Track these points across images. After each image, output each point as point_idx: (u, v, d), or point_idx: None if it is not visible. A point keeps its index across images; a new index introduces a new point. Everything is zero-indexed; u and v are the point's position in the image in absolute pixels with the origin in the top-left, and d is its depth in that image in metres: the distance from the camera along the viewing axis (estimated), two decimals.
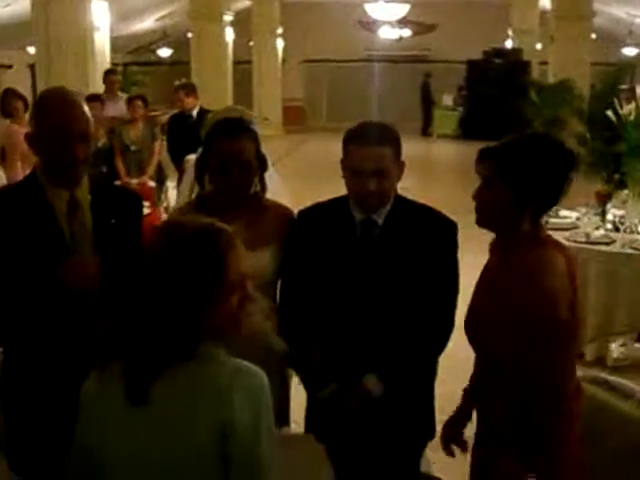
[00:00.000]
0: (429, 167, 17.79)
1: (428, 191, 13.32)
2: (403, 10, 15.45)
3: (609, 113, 6.00)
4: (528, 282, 2.34)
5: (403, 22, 19.59)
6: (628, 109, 5.87)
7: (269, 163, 3.02)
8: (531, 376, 2.34)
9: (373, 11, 15.43)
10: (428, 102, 22.87)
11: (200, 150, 3.00)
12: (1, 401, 2.68)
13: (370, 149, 2.64)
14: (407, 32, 19.63)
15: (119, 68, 17.83)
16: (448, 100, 22.40)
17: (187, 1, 15.06)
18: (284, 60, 22.62)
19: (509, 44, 21.36)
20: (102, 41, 9.66)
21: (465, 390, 2.77)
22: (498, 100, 18.42)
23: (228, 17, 15.33)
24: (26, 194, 2.57)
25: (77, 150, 2.49)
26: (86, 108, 2.57)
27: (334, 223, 2.80)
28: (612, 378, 2.91)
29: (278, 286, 2.95)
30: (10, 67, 14.18)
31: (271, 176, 3.16)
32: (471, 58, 21.17)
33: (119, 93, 9.55)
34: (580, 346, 5.54)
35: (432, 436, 2.91)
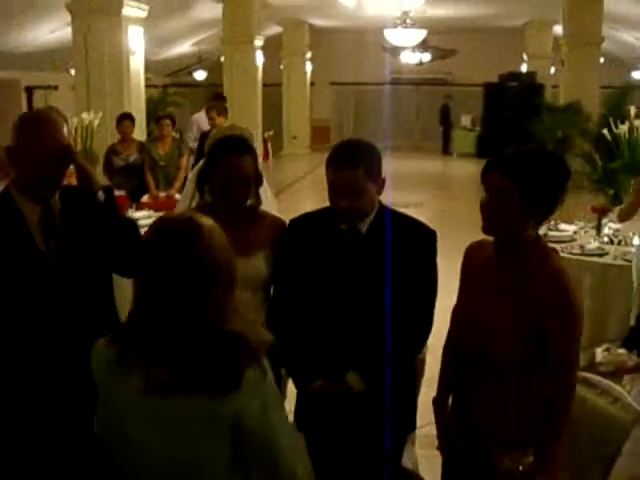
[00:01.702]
0: (446, 183, 17.77)
1: (441, 205, 13.29)
2: (420, 36, 15.43)
3: (604, 132, 6.02)
4: (553, 284, 2.38)
5: (424, 47, 19.59)
6: (622, 129, 5.88)
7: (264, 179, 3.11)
8: (559, 377, 2.40)
9: (392, 37, 15.43)
10: (447, 123, 22.91)
11: (201, 162, 3.07)
12: None
13: (341, 171, 2.69)
14: (427, 57, 19.60)
15: (158, 89, 18.11)
16: (466, 121, 22.39)
17: (221, 27, 15.23)
18: (312, 83, 22.74)
19: (524, 68, 21.31)
20: (138, 64, 9.77)
21: (436, 400, 2.77)
22: (513, 121, 18.39)
23: (258, 42, 15.45)
24: None
25: (51, 171, 2.48)
26: (65, 130, 2.55)
27: (322, 230, 2.85)
28: (590, 376, 2.92)
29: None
30: (56, 88, 14.40)
31: (265, 190, 3.24)
32: (488, 81, 21.18)
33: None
34: None
35: (412, 429, 2.95)
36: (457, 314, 2.64)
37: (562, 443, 2.43)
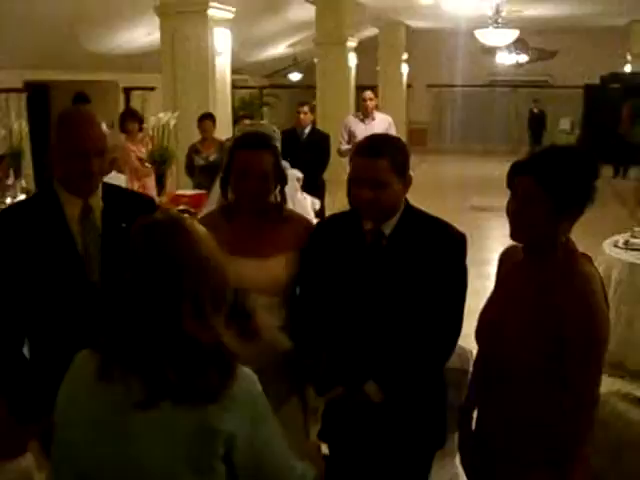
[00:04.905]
0: None
1: None
2: (512, 36, 14.94)
3: None
4: (575, 290, 2.21)
5: (524, 48, 19.01)
6: None
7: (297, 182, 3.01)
8: (578, 390, 2.21)
9: (483, 37, 15.02)
10: (541, 126, 21.97)
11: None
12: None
13: (366, 160, 2.56)
14: (524, 58, 18.99)
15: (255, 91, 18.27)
16: (565, 124, 21.62)
17: (314, 29, 15.24)
18: (409, 84, 22.46)
19: (628, 68, 20.41)
20: (224, 65, 9.82)
21: (462, 409, 2.62)
22: (614, 124, 17.66)
23: (351, 43, 15.38)
24: (41, 202, 2.59)
25: (93, 164, 2.49)
26: (103, 126, 2.56)
27: (346, 233, 2.73)
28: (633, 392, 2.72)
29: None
30: (152, 89, 14.68)
31: (304, 196, 3.15)
32: (589, 83, 20.39)
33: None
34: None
35: (441, 446, 2.77)
36: (479, 322, 2.49)
37: (583, 462, 2.24)
